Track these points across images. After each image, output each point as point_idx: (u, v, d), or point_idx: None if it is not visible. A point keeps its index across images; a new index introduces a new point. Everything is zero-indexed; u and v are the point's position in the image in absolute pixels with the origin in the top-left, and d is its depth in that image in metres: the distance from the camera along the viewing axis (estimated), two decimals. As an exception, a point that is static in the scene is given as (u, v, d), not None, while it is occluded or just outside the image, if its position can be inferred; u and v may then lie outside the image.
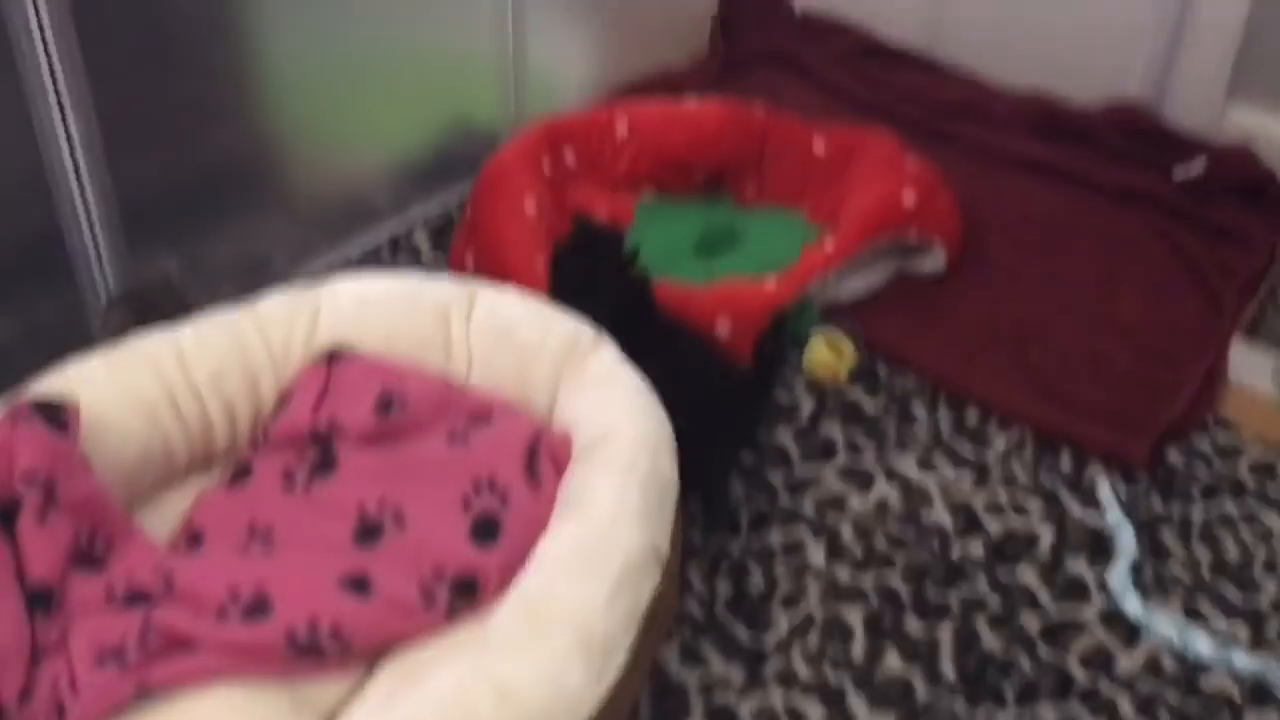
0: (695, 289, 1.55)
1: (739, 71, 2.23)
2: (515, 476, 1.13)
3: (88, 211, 1.40)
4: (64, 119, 1.34)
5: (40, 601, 1.01)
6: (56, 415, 1.08)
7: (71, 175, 1.37)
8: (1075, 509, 1.38)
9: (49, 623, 1.00)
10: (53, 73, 1.31)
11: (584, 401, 1.19)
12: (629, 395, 1.18)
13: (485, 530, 1.09)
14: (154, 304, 1.35)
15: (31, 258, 1.39)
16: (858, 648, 1.21)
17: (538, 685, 0.92)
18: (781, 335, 1.48)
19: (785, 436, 1.47)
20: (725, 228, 1.74)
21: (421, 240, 1.80)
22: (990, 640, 1.22)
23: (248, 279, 1.44)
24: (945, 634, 1.23)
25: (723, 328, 1.51)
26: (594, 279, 1.34)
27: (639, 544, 1.03)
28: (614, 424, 1.14)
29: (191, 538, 1.13)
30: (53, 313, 1.36)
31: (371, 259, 1.75)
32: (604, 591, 0.99)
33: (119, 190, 1.41)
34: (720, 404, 1.35)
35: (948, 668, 1.20)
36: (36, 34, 1.29)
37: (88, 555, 1.07)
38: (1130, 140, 2.00)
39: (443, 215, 1.85)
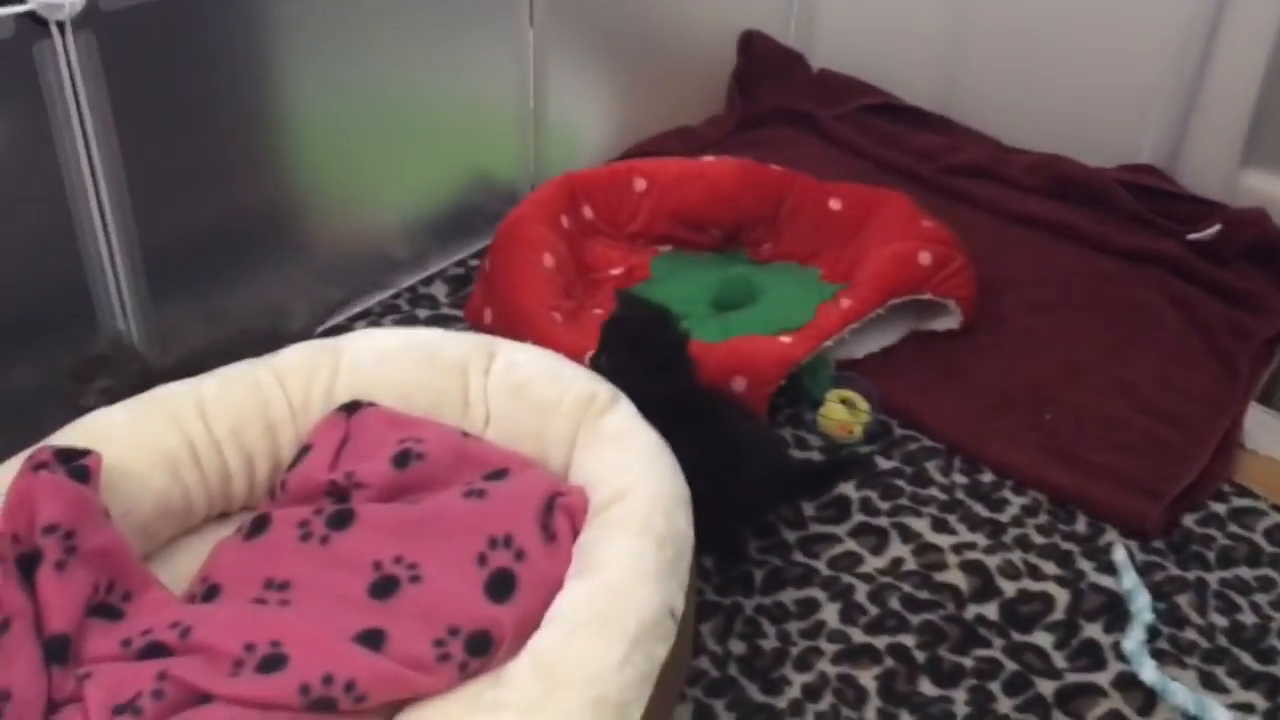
0: (711, 346, 1.56)
1: (756, 129, 2.26)
2: (531, 533, 1.14)
3: (113, 262, 1.42)
4: (93, 172, 1.37)
5: (57, 652, 1.01)
6: (79, 465, 1.09)
7: (99, 226, 1.40)
8: (1090, 573, 1.38)
9: (65, 673, 1.01)
10: (83, 126, 1.34)
11: (601, 459, 1.19)
12: (646, 453, 1.19)
13: (501, 587, 1.10)
14: (113, 367, 1.35)
15: (56, 307, 1.41)
16: (870, 710, 1.20)
17: (550, 747, 0.92)
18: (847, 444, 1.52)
19: (800, 494, 1.47)
20: (741, 284, 1.76)
21: (439, 292, 1.81)
22: (1005, 705, 1.22)
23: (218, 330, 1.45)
24: (960, 697, 1.22)
25: (738, 385, 1.52)
26: (646, 345, 1.36)
27: (654, 604, 1.03)
28: (630, 482, 1.14)
29: (208, 589, 1.13)
30: (76, 360, 1.37)
31: (390, 310, 1.77)
32: (618, 652, 0.99)
33: (144, 241, 1.44)
34: (775, 493, 1.41)
35: (962, 733, 1.19)
36: (69, 88, 1.32)
37: (105, 605, 1.07)
38: (1145, 202, 2.01)
39: (460, 268, 1.87)
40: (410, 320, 1.75)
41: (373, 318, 1.76)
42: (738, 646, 1.27)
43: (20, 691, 0.96)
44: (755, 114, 2.28)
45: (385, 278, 1.81)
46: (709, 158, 1.89)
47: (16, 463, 1.09)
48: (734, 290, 1.74)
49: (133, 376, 1.29)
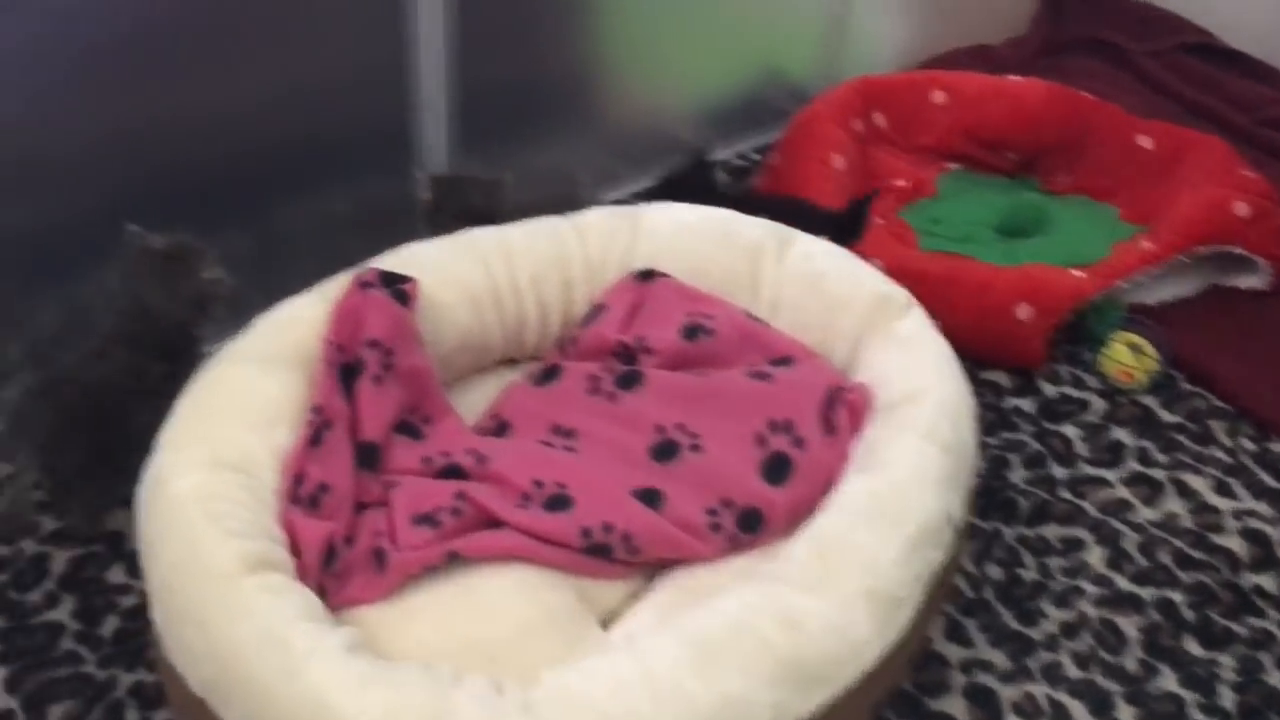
0: (998, 268, 1.51)
1: (1059, 55, 2.14)
2: (811, 422, 1.14)
3: (434, 105, 1.48)
4: (426, 17, 1.42)
5: (367, 458, 1.08)
6: (400, 288, 1.15)
7: (428, 66, 1.45)
8: (1384, 563, 1.29)
9: (373, 478, 1.08)
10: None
11: (889, 361, 1.18)
12: (936, 360, 1.17)
13: (777, 469, 1.11)
14: (467, 194, 1.40)
15: (375, 142, 1.48)
16: (1131, 660, 1.17)
17: (826, 624, 0.93)
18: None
19: (1071, 431, 1.42)
20: (1032, 212, 1.69)
21: (720, 181, 1.81)
22: (1276, 679, 1.16)
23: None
24: (1228, 663, 1.17)
25: (1023, 312, 1.47)
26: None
27: (935, 508, 1.02)
28: (919, 387, 1.13)
29: (499, 425, 1.18)
30: (389, 195, 1.44)
31: (670, 193, 1.78)
32: (898, 549, 0.98)
33: (464, 88, 1.48)
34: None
35: (1227, 699, 1.14)
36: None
37: (409, 424, 1.14)
38: None
39: (743, 159, 1.87)
40: (688, 205, 1.76)
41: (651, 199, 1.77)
42: (994, 572, 1.25)
43: (338, 485, 1.03)
44: (1061, 40, 2.16)
45: (668, 159, 1.82)
46: (1015, 77, 1.81)
47: (342, 281, 1.16)
48: (1025, 216, 1.68)
49: (476, 209, 1.34)
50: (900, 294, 1.23)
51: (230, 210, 1.37)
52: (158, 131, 1.28)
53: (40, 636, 1.10)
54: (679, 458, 1.12)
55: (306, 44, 1.36)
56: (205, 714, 0.87)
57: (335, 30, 1.37)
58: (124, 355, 1.16)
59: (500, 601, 1.00)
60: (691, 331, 1.22)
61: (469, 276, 1.23)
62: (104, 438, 1.13)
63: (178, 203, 1.32)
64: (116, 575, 1.16)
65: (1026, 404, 1.46)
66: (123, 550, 1.17)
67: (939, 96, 1.78)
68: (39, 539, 1.18)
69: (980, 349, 1.44)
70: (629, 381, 1.19)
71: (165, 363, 1.16)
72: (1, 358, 1.24)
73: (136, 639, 1.10)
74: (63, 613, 1.12)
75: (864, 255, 1.29)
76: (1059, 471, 1.37)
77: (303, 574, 0.96)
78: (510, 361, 1.30)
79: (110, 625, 1.12)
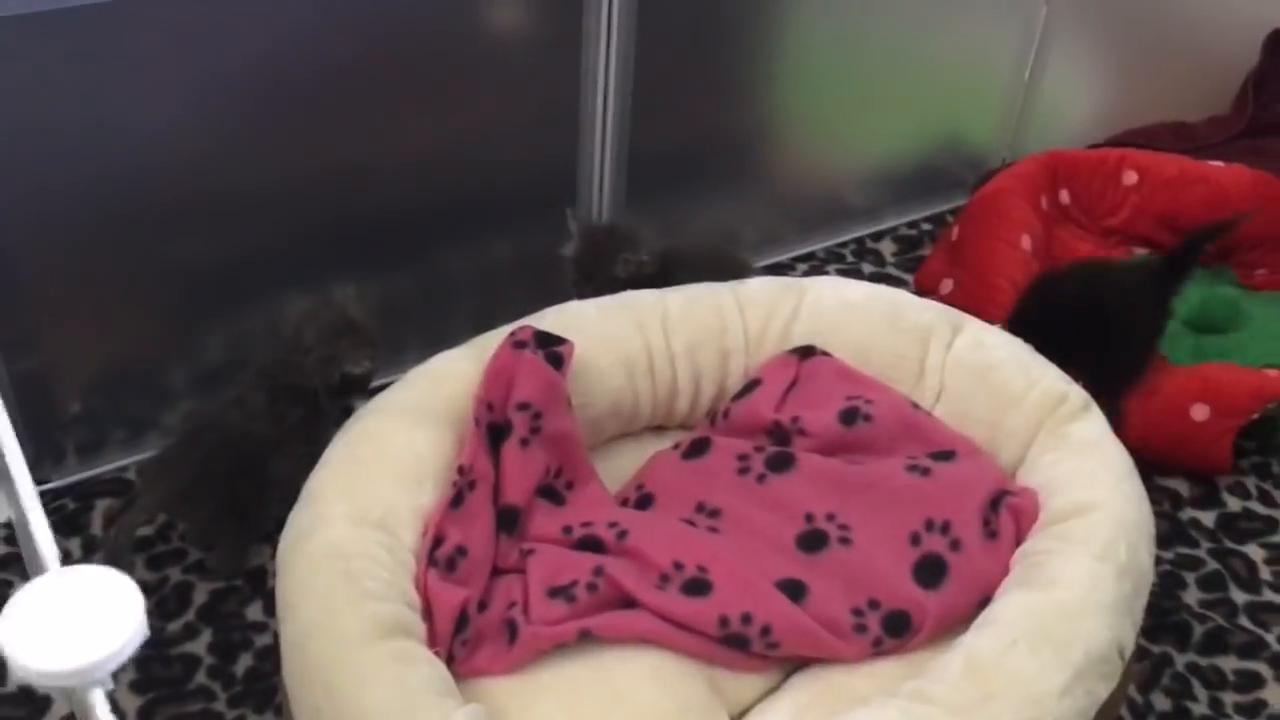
0: (1174, 368, 1.41)
1: (1263, 136, 2.01)
2: (972, 525, 1.07)
3: (603, 156, 1.47)
4: (607, 66, 1.41)
5: (508, 522, 1.07)
6: (555, 350, 1.13)
7: (600, 118, 1.44)
8: None
9: (511, 543, 1.06)
10: (610, 21, 1.38)
11: (1062, 465, 1.10)
12: (1115, 471, 1.08)
13: (930, 571, 1.04)
14: (636, 244, 1.39)
15: (540, 190, 1.47)
16: (1311, 818, 1.06)
17: (976, 757, 0.86)
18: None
19: (1255, 552, 1.31)
20: (1227, 307, 1.58)
21: (887, 250, 1.76)
22: None
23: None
24: None
25: (1198, 413, 1.36)
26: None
27: (1105, 637, 0.94)
28: (1094, 499, 1.05)
29: (642, 496, 1.15)
30: (550, 247, 1.43)
31: (833, 259, 1.74)
32: (1062, 678, 0.91)
33: (634, 142, 1.47)
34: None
35: None
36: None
37: (551, 489, 1.12)
38: None
39: (913, 229, 1.81)
40: (854, 273, 1.71)
41: (815, 262, 1.73)
42: (1161, 702, 1.15)
43: (476, 549, 1.02)
44: (1268, 121, 2.03)
45: (836, 224, 1.78)
46: (1217, 163, 1.70)
47: (497, 336, 1.15)
48: (1218, 311, 1.57)
49: (651, 260, 1.33)
50: (1079, 393, 1.16)
51: (395, 255, 1.38)
52: (332, 174, 1.30)
53: (176, 668, 1.11)
54: (827, 549, 1.07)
55: (484, 90, 1.36)
56: (326, 778, 0.86)
57: (513, 79, 1.37)
58: (263, 402, 1.17)
59: (631, 687, 0.96)
60: (850, 416, 1.17)
61: (624, 340, 1.21)
62: (242, 485, 1.14)
63: (344, 245, 1.35)
64: (255, 612, 1.17)
65: (1206, 517, 1.36)
66: (263, 587, 1.18)
67: (1130, 177, 1.68)
68: (184, 568, 1.20)
69: (1157, 455, 1.34)
70: (780, 464, 1.14)
71: (303, 410, 1.17)
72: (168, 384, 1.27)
73: (267, 680, 1.11)
74: (199, 646, 1.13)
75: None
76: (1239, 596, 1.26)
77: (433, 640, 0.94)
78: (659, 428, 1.27)
79: (243, 664, 1.12)
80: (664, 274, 1.33)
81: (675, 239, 1.44)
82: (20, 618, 0.59)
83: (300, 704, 0.88)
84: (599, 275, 1.35)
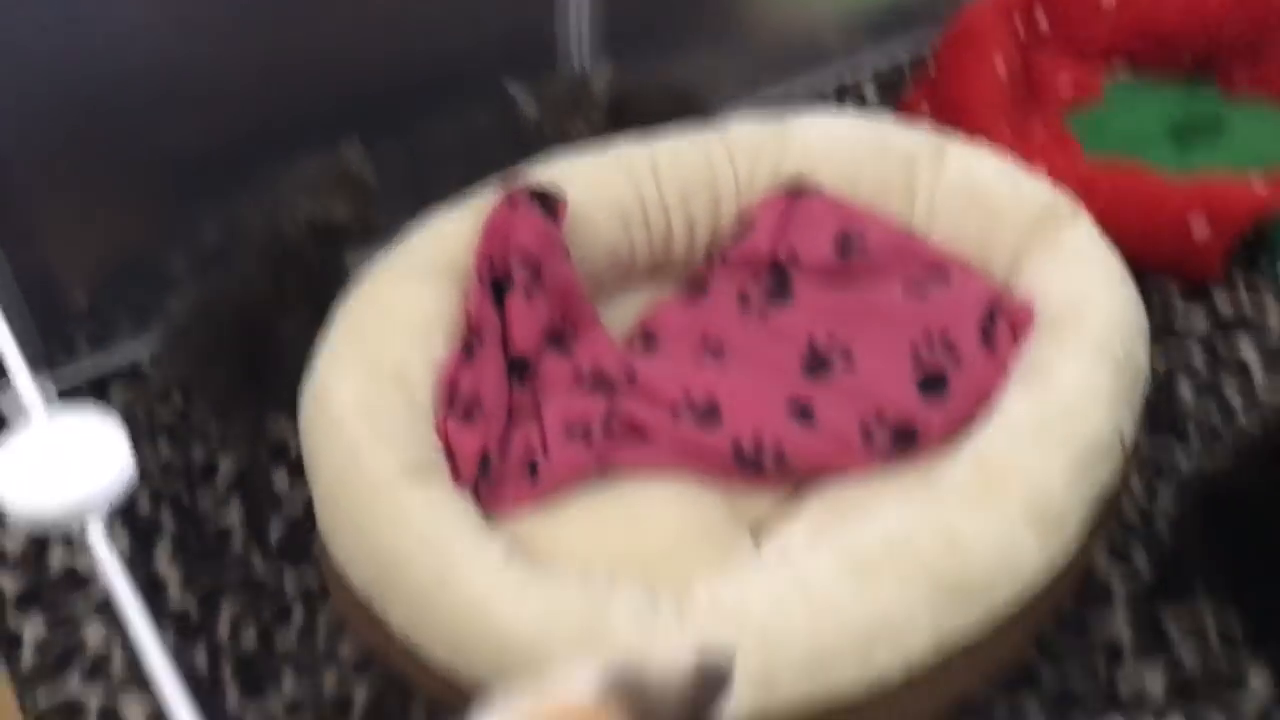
0: (1168, 180, 1.42)
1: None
2: (969, 338, 1.10)
3: (580, 5, 1.46)
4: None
5: (518, 370, 1.09)
6: (549, 203, 1.14)
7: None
8: None
9: (523, 391, 1.09)
10: None
11: (1054, 274, 1.12)
12: (1105, 273, 1.11)
13: (932, 384, 1.07)
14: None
15: (520, 46, 1.46)
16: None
17: (988, 545, 0.90)
18: None
19: (1248, 348, 1.34)
20: (1208, 116, 1.58)
21: (869, 91, 1.75)
22: None
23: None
24: None
25: (1198, 227, 1.38)
26: None
27: (1105, 427, 0.98)
28: (1087, 301, 1.08)
29: (646, 340, 1.18)
30: (531, 100, 1.42)
31: (817, 98, 1.73)
32: (1065, 467, 0.95)
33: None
34: None
35: None
36: None
37: (558, 337, 1.14)
38: None
39: (893, 67, 1.79)
40: (836, 115, 1.70)
41: (798, 104, 1.72)
42: (1164, 497, 1.19)
43: (491, 397, 1.05)
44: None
45: (816, 66, 1.77)
46: (1193, -30, 1.68)
47: (490, 194, 1.16)
48: (1201, 120, 1.57)
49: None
50: (1065, 203, 1.17)
51: (380, 125, 1.38)
52: (315, 49, 1.29)
53: (212, 540, 1.15)
54: (831, 372, 1.10)
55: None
56: (370, 616, 0.90)
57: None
58: (263, 271, 1.19)
59: (652, 512, 1.00)
60: (844, 245, 1.19)
61: (616, 189, 1.21)
62: (252, 352, 1.17)
63: (332, 119, 1.34)
64: (281, 482, 1.20)
65: (1198, 318, 1.39)
66: (286, 457, 1.22)
67: (1108, -4, 1.67)
68: (208, 447, 1.23)
69: (1150, 266, 1.37)
70: (779, 295, 1.17)
71: (304, 278, 1.19)
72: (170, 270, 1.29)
73: (301, 544, 1.14)
74: (232, 517, 1.17)
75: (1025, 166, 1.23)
76: (1235, 398, 1.30)
77: (457, 482, 0.97)
78: (656, 277, 1.29)
79: (276, 531, 1.16)
80: (615, 116, 1.34)
81: (626, 82, 1.44)
82: (11, 463, 0.62)
83: (338, 550, 0.92)
84: (559, 135, 1.35)
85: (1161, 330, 1.36)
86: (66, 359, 1.29)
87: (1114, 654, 1.07)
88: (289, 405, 1.03)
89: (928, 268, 1.18)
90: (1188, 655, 1.07)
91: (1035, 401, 0.99)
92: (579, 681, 0.52)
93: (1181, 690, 1.05)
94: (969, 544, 0.90)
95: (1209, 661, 1.07)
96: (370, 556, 0.90)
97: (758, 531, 1.04)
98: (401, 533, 0.88)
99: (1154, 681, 1.05)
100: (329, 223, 1.19)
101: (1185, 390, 1.30)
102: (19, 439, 0.62)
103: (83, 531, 0.62)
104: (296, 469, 1.20)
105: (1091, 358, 1.02)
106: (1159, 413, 1.27)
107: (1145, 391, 1.05)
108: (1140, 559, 1.14)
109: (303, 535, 1.15)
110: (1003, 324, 1.11)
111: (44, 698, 1.04)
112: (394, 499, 0.90)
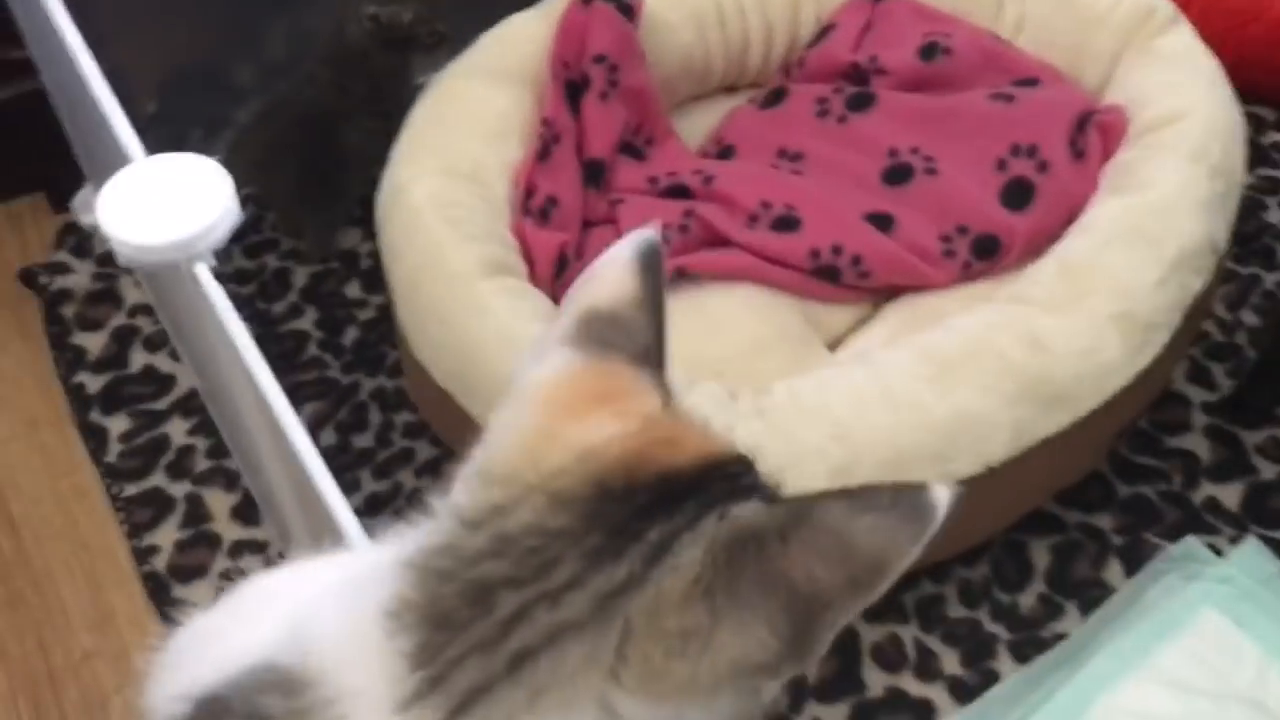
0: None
1: None
2: (1059, 147, 1.06)
3: None
4: None
5: (594, 175, 1.07)
6: (624, 4, 1.10)
7: None
8: None
9: (599, 196, 1.07)
10: None
11: (1150, 79, 1.08)
12: (1204, 78, 1.06)
13: (1017, 195, 1.04)
14: None
15: None
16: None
17: (1072, 345, 0.89)
18: None
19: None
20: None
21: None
22: None
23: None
24: None
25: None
26: None
27: (1199, 233, 0.95)
28: (1184, 106, 1.03)
29: (723, 149, 1.15)
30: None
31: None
32: (1155, 272, 0.92)
33: None
34: None
35: None
36: None
37: (632, 145, 1.12)
38: None
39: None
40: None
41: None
42: (1249, 318, 1.17)
43: (566, 200, 1.03)
44: None
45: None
46: None
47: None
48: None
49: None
50: (1164, 5, 1.12)
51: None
52: None
53: (288, 343, 1.16)
54: (913, 181, 1.07)
55: None
56: (450, 406, 0.90)
57: None
58: (328, 78, 1.17)
59: (728, 318, 1.00)
60: (928, 51, 1.14)
61: (692, -6, 1.18)
62: (314, 158, 1.16)
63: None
64: (353, 290, 1.20)
65: (1290, 142, 1.33)
66: (357, 267, 1.22)
67: None
68: (279, 255, 1.23)
69: (1245, 83, 1.30)
70: (860, 103, 1.13)
71: (367, 84, 1.17)
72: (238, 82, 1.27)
73: (375, 349, 1.15)
74: (306, 322, 1.18)
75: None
76: (1324, 216, 1.25)
77: (534, 282, 0.97)
78: (731, 89, 1.26)
79: (350, 336, 1.17)
80: None
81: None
82: (117, 200, 0.61)
83: (419, 341, 0.92)
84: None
85: (1252, 153, 1.31)
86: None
87: (1191, 474, 1.06)
88: (357, 215, 1.02)
89: (1017, 75, 1.14)
90: (1266, 474, 1.06)
91: (1126, 206, 0.96)
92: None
93: (1258, 511, 1.04)
94: (1054, 346, 0.88)
95: (1287, 479, 1.06)
96: (451, 348, 0.90)
97: (834, 346, 1.03)
98: (481, 324, 0.88)
99: (1230, 500, 1.05)
100: (395, 25, 1.15)
101: (1274, 213, 1.26)
102: (122, 176, 0.62)
103: (189, 278, 0.62)
104: (369, 280, 1.20)
105: (1188, 162, 0.98)
106: (1247, 233, 1.23)
107: (1239, 201, 1.01)
108: (1221, 377, 1.12)
109: (376, 343, 1.15)
110: (1094, 133, 1.07)
111: (131, 488, 1.07)
112: (473, 292, 0.90)
